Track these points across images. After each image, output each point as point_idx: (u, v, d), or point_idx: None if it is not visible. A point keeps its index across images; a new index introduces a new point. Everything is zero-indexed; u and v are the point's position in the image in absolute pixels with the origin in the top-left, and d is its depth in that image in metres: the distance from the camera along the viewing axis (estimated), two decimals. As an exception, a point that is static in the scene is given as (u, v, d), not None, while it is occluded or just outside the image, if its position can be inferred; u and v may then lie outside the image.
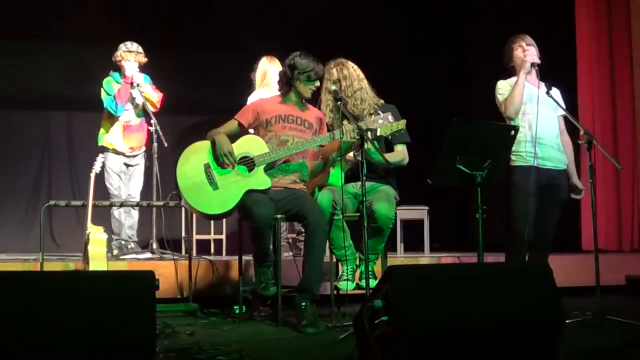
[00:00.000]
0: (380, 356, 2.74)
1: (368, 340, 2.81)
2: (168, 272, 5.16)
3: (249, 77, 5.96)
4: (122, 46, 6.03)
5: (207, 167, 4.33)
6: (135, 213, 6.18)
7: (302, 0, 7.81)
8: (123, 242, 6.05)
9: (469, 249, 6.33)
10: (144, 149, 6.18)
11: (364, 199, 3.98)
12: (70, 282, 2.66)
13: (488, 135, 4.16)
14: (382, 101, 4.68)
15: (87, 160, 5.63)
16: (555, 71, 5.13)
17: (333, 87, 4.49)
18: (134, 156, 6.14)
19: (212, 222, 6.95)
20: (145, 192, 6.20)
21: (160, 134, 5.92)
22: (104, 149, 5.97)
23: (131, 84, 5.96)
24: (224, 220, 6.58)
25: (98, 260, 4.58)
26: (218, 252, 7.08)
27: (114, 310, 2.54)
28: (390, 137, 4.46)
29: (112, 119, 6.03)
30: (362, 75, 4.67)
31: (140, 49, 6.05)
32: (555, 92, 4.63)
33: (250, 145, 4.42)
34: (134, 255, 5.84)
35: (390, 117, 4.34)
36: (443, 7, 8.51)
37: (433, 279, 2.85)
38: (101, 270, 4.41)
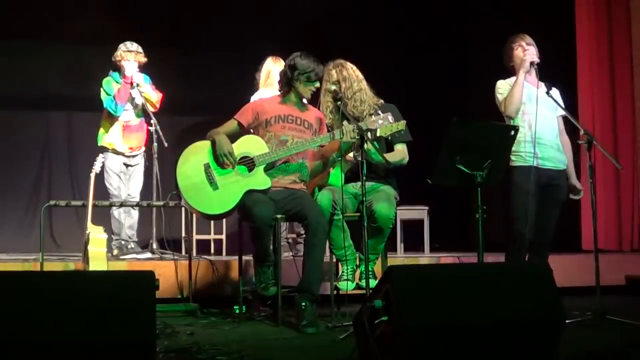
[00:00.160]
0: (380, 356, 2.74)
1: (368, 340, 2.81)
2: (168, 272, 5.16)
3: (251, 76, 5.94)
4: (121, 46, 6.03)
5: (207, 167, 4.33)
6: (135, 213, 6.18)
7: (302, 0, 7.80)
8: (123, 242, 6.05)
9: (469, 249, 6.33)
10: (143, 149, 6.18)
11: (364, 199, 3.98)
12: (70, 282, 2.66)
13: (488, 135, 4.16)
14: (381, 101, 4.67)
15: (87, 160, 5.64)
16: (555, 71, 5.12)
17: (333, 87, 4.48)
18: (133, 156, 6.14)
19: (212, 222, 6.94)
20: (145, 192, 6.20)
21: (160, 134, 5.92)
22: (104, 149, 5.96)
23: (131, 84, 5.95)
24: (224, 220, 6.57)
25: (98, 260, 4.58)
26: (218, 252, 7.08)
27: (114, 310, 2.53)
28: (390, 138, 4.46)
29: (112, 119, 6.02)
30: (361, 76, 4.66)
31: (140, 49, 6.05)
32: (555, 92, 4.63)
33: (250, 145, 4.42)
34: (134, 255, 5.84)
35: (390, 118, 4.33)
36: (443, 6, 8.50)
37: (433, 279, 2.85)
38: (101, 270, 4.41)
